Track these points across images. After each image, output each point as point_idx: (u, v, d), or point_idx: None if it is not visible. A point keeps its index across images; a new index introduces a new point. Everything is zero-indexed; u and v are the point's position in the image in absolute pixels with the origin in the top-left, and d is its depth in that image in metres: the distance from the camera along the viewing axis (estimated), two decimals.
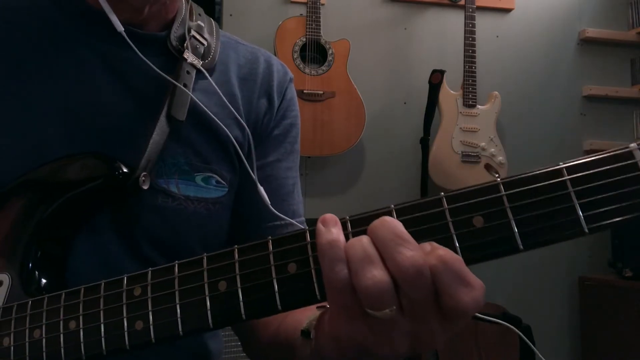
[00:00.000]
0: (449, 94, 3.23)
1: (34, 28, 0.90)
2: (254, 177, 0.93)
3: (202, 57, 0.96)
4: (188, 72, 0.92)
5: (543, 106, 3.53)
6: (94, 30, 0.89)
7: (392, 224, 0.54)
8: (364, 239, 0.55)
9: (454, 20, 3.45)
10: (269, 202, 0.94)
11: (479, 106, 3.25)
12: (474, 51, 3.24)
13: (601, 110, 3.63)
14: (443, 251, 0.53)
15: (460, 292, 0.52)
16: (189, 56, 0.93)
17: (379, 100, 3.39)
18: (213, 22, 1.04)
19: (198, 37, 0.97)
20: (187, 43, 0.95)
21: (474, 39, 3.24)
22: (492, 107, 3.28)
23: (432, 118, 3.27)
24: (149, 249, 0.88)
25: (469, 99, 3.22)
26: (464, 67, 3.24)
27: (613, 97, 3.61)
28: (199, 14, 1.01)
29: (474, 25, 3.25)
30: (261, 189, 0.93)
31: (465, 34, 3.25)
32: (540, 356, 1.72)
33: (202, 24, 1.00)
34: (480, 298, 0.53)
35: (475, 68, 3.24)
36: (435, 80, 3.24)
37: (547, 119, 3.51)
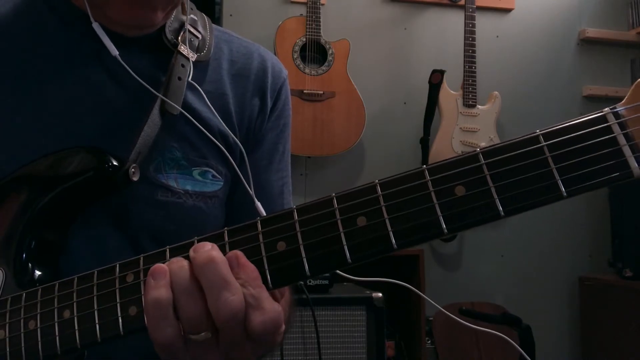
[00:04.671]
0: (449, 94, 3.23)
1: (29, 31, 0.91)
2: (251, 192, 0.93)
3: (197, 50, 0.97)
4: (183, 66, 0.93)
5: (543, 106, 3.53)
6: (91, 33, 0.89)
7: (219, 268, 0.61)
8: (188, 273, 0.61)
9: (454, 20, 3.45)
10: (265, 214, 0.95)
11: (479, 106, 3.25)
12: (474, 51, 3.24)
13: None
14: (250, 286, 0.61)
15: (254, 316, 0.60)
16: (183, 49, 0.94)
17: (379, 100, 3.39)
18: (205, 16, 1.04)
19: (192, 30, 0.98)
20: (181, 36, 0.95)
21: (474, 39, 3.25)
22: (492, 107, 3.28)
23: (432, 118, 3.27)
24: (148, 243, 0.88)
25: (469, 99, 3.22)
26: (464, 67, 3.24)
27: (613, 97, 3.60)
28: (191, 8, 1.01)
29: (474, 25, 3.25)
30: (259, 204, 0.93)
31: (465, 34, 3.25)
32: None
33: (196, 18, 1.00)
34: (269, 320, 0.60)
35: (475, 68, 3.24)
36: (435, 80, 3.24)
37: (547, 119, 3.50)
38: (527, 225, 3.45)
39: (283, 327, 0.65)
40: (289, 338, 2.17)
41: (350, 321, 2.23)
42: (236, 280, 0.61)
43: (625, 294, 3.06)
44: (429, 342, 3.00)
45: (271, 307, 0.61)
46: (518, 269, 3.45)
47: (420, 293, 0.92)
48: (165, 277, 0.62)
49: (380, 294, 2.25)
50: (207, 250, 0.62)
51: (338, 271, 0.65)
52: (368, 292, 2.29)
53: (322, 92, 3.11)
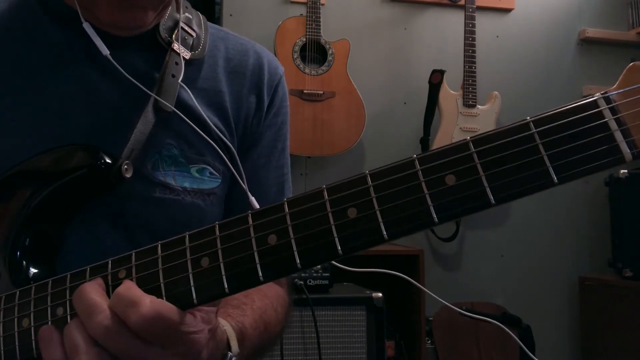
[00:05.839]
0: (449, 94, 3.23)
1: (24, 31, 0.92)
2: (245, 187, 0.93)
3: (191, 48, 0.97)
4: (177, 63, 0.93)
5: (543, 106, 3.49)
6: (84, 32, 0.89)
7: (85, 296, 0.64)
8: (71, 330, 0.64)
9: (454, 20, 3.45)
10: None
11: (479, 106, 3.25)
12: (474, 51, 3.24)
13: None
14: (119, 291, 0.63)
15: (130, 313, 0.60)
16: (177, 48, 0.94)
17: (379, 100, 3.39)
18: (200, 14, 1.04)
19: (187, 28, 0.98)
20: (175, 34, 0.95)
21: (474, 39, 3.24)
22: (492, 107, 3.28)
23: (432, 118, 3.27)
24: (146, 241, 0.88)
25: (469, 99, 3.22)
26: (464, 67, 3.24)
27: None
28: (186, 7, 1.01)
29: (474, 25, 3.24)
30: (252, 199, 0.93)
31: (465, 34, 3.24)
32: (534, 358, 1.72)
33: (190, 16, 1.00)
34: (145, 310, 0.60)
35: (475, 68, 3.24)
36: (435, 80, 3.24)
37: None
38: (527, 225, 3.44)
39: (186, 327, 0.64)
40: (289, 338, 2.17)
41: (350, 321, 2.24)
42: (115, 292, 0.63)
43: (625, 294, 3.05)
44: (429, 342, 2.99)
45: (151, 301, 0.62)
46: (518, 269, 3.44)
47: (421, 286, 0.92)
48: (51, 340, 0.66)
49: (380, 294, 2.26)
50: (80, 286, 0.66)
51: (336, 264, 0.65)
52: (368, 292, 2.29)
53: (322, 92, 3.11)
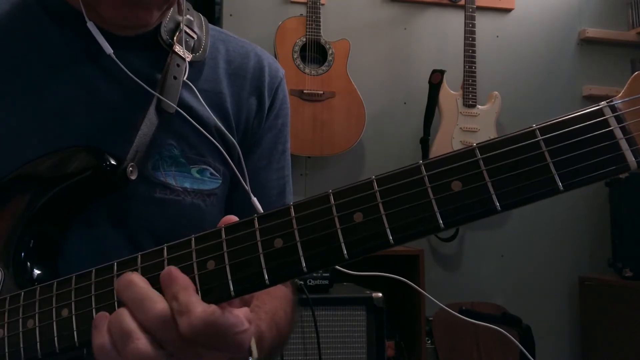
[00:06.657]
0: (449, 94, 3.23)
1: (24, 31, 0.92)
2: (247, 187, 0.93)
3: (192, 50, 0.97)
4: (178, 65, 0.93)
5: (543, 106, 3.53)
6: (85, 32, 0.89)
7: (136, 287, 0.62)
8: (121, 317, 0.61)
9: (454, 20, 3.45)
10: (262, 211, 0.95)
11: (479, 106, 3.25)
12: (474, 51, 3.24)
13: None
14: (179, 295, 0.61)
15: (181, 320, 0.59)
16: (179, 50, 0.94)
17: (379, 100, 3.39)
18: (202, 16, 1.04)
19: (188, 30, 0.98)
20: (177, 36, 0.95)
21: (474, 39, 3.24)
22: (492, 107, 3.28)
23: (432, 118, 3.27)
24: (147, 241, 0.89)
25: (469, 99, 3.22)
26: (464, 67, 3.24)
27: (613, 97, 3.60)
28: (188, 9, 1.01)
29: (474, 25, 3.25)
30: (255, 199, 0.93)
31: (465, 34, 3.25)
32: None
33: (192, 18, 1.01)
34: (198, 322, 0.59)
35: (475, 68, 3.24)
36: (435, 80, 3.24)
37: (547, 119, 3.49)
38: (527, 225, 3.44)
39: (233, 329, 0.62)
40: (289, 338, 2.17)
41: (350, 321, 2.24)
42: (170, 291, 0.61)
43: (625, 294, 3.05)
44: (429, 342, 3.00)
45: (202, 311, 0.60)
46: (518, 269, 3.45)
47: (419, 289, 0.93)
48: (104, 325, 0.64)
49: (380, 294, 2.26)
50: (126, 275, 0.64)
51: (338, 267, 0.65)
52: (368, 292, 2.29)
53: (322, 92, 3.11)
